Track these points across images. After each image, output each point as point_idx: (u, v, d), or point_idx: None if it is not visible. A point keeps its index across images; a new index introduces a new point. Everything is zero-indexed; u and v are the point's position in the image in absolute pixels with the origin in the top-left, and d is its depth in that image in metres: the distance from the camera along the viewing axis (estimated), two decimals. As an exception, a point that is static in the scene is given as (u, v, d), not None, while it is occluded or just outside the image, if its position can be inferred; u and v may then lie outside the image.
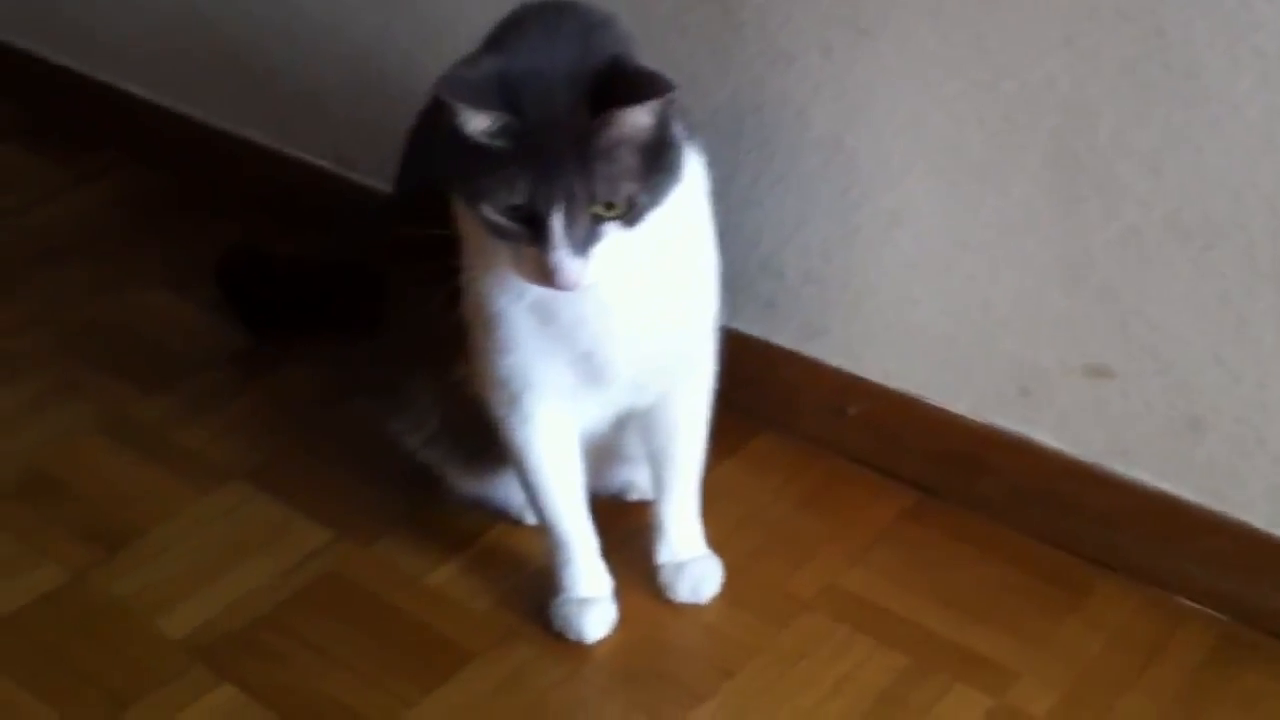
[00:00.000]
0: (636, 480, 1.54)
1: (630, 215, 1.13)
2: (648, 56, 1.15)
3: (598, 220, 1.12)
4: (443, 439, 1.46)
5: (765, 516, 1.56)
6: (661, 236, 1.19)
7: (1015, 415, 1.49)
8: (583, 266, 1.12)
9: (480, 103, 1.08)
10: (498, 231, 1.13)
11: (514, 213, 1.11)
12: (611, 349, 1.27)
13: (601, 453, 1.45)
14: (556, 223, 1.10)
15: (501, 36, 1.15)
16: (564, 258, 1.11)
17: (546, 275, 1.12)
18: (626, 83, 1.10)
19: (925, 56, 1.38)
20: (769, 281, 1.61)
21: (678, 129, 1.16)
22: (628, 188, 1.12)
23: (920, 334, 1.52)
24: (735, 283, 1.59)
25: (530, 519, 1.51)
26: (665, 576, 1.46)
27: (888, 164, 1.46)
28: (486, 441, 1.38)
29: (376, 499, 1.59)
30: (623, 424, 1.42)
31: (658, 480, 1.44)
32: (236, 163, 2.11)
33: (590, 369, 1.28)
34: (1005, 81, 1.35)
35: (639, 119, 1.11)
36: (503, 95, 1.09)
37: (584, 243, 1.12)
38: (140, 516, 1.58)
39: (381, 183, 1.84)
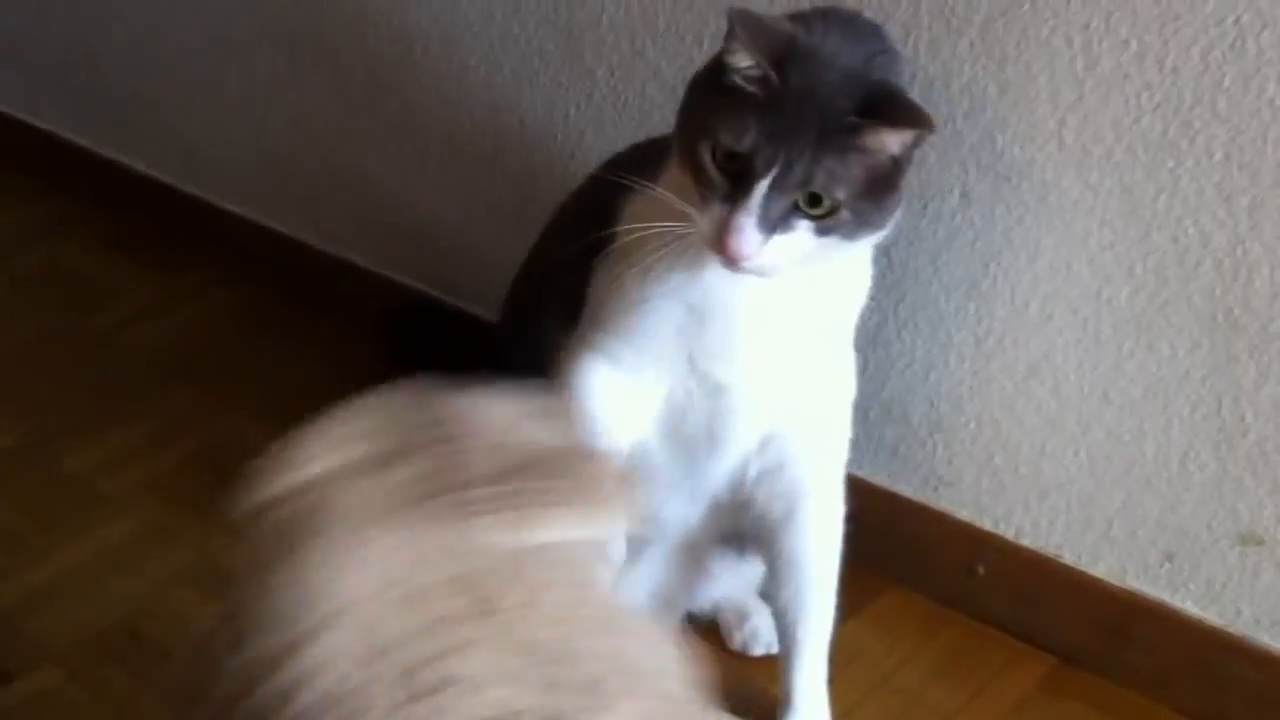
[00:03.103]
0: (761, 630, 1.56)
1: (826, 222, 1.18)
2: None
3: (796, 210, 1.17)
4: None
5: (896, 683, 1.55)
6: (823, 295, 1.27)
7: (1159, 581, 1.49)
8: (760, 243, 1.17)
9: (757, 41, 1.16)
10: (700, 176, 1.18)
11: (727, 161, 1.17)
12: (738, 378, 1.31)
13: (692, 559, 1.47)
14: (762, 186, 1.15)
15: (800, 16, 1.23)
16: (750, 224, 1.16)
17: (724, 235, 1.17)
18: (897, 104, 1.19)
19: (1070, 205, 1.40)
20: (894, 428, 1.63)
21: (902, 185, 1.22)
22: (840, 192, 1.17)
23: (1057, 491, 1.53)
24: (858, 426, 1.61)
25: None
26: None
27: (1026, 313, 1.48)
28: None
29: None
30: (718, 526, 1.44)
31: (787, 642, 1.45)
32: (335, 283, 2.16)
33: (707, 390, 1.31)
34: (1156, 234, 1.36)
35: (888, 142, 1.18)
36: (778, 49, 1.16)
37: (774, 222, 1.17)
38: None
39: (483, 309, 1.89)
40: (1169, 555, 1.48)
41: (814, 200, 1.17)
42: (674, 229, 1.21)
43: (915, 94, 1.42)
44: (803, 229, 1.18)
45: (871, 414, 1.62)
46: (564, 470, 0.95)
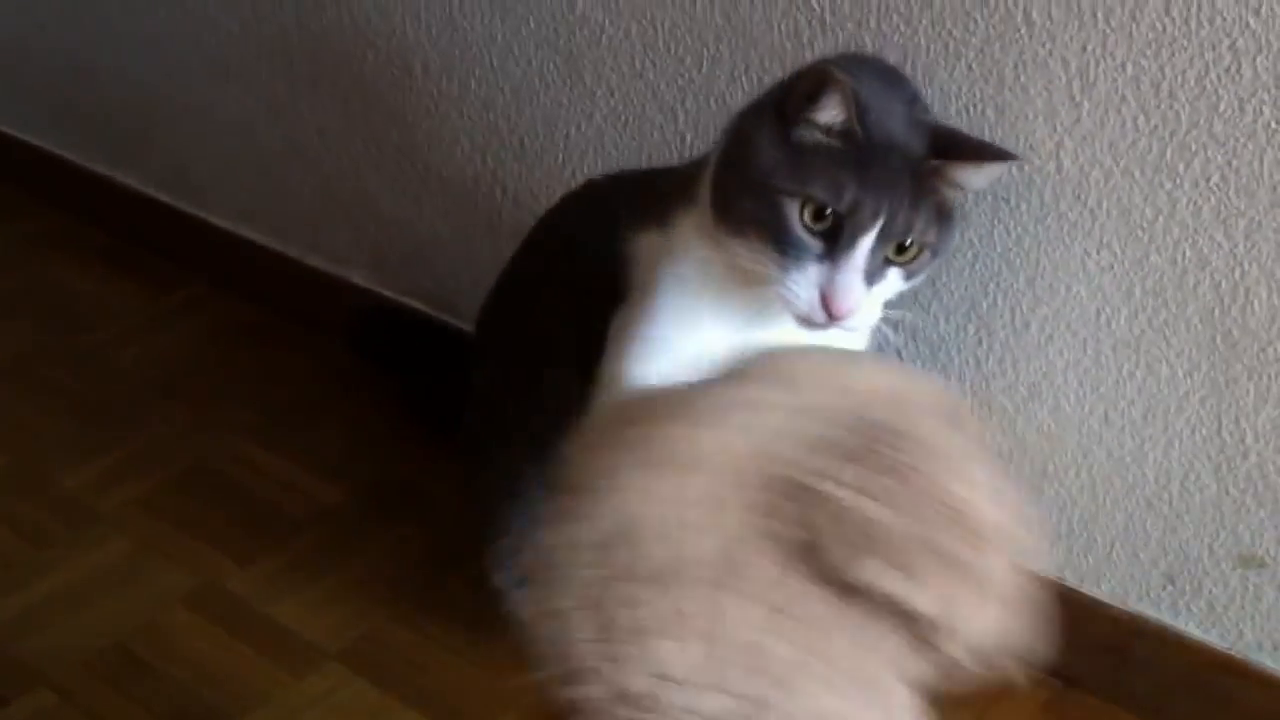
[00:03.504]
0: None
1: (912, 265, 1.20)
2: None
3: (887, 260, 1.19)
4: None
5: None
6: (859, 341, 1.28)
7: (1161, 604, 1.50)
8: (863, 297, 1.17)
9: (851, 97, 1.14)
10: (780, 238, 1.16)
11: (819, 220, 1.16)
12: None
13: None
14: (867, 240, 1.15)
15: (842, 66, 1.20)
16: (855, 280, 1.16)
17: (828, 297, 1.16)
18: (972, 142, 1.25)
19: (1068, 226, 1.41)
20: (894, 449, 1.64)
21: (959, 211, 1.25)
22: (931, 235, 1.19)
23: (1058, 513, 1.54)
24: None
25: None
26: None
27: (1026, 334, 1.49)
28: None
29: (487, 684, 1.59)
30: None
31: None
32: (330, 300, 2.17)
33: None
34: (1154, 256, 1.37)
35: (974, 179, 1.22)
36: (862, 105, 1.15)
37: (873, 275, 1.18)
38: (227, 701, 1.59)
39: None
40: (1171, 577, 1.49)
41: (902, 248, 1.19)
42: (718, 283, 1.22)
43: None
44: (893, 275, 1.20)
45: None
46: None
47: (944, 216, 1.21)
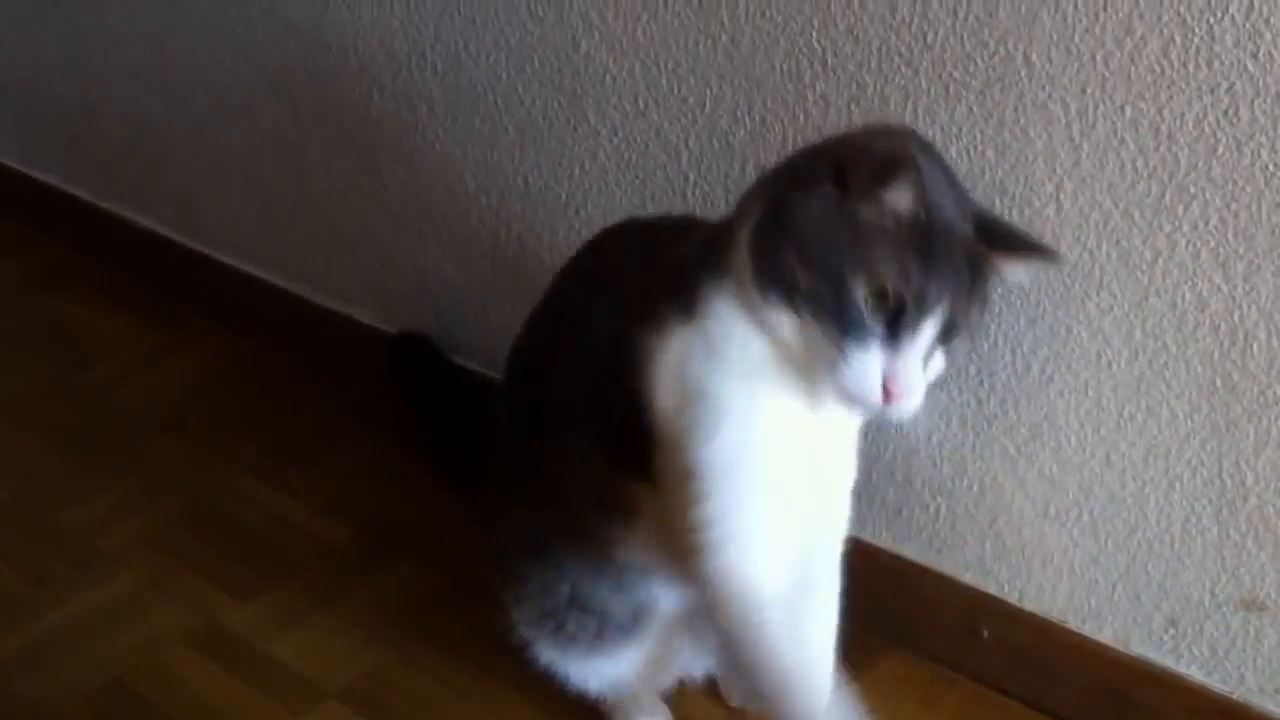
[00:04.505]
0: None
1: (952, 347, 1.21)
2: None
3: (936, 344, 1.19)
4: (568, 618, 1.48)
5: (899, 750, 1.57)
6: None
7: (1162, 647, 1.52)
8: (921, 381, 1.18)
9: (923, 186, 1.14)
10: (838, 317, 1.14)
11: (880, 300, 1.14)
12: (826, 491, 1.33)
13: (692, 630, 1.50)
14: (930, 326, 1.16)
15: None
16: (917, 365, 1.16)
17: (889, 382, 1.15)
18: (1021, 236, 1.27)
19: (1068, 268, 1.44)
20: (897, 490, 1.66)
21: None
22: (976, 317, 1.21)
23: (1059, 555, 1.56)
24: (861, 489, 1.64)
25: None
26: None
27: (1027, 375, 1.51)
28: (620, 611, 1.45)
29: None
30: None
31: None
32: (334, 337, 2.20)
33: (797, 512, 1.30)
34: (1154, 298, 1.40)
35: (1017, 272, 1.26)
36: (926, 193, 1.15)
37: (927, 359, 1.18)
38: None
39: (484, 366, 1.93)
40: (1172, 620, 1.51)
41: (949, 330, 1.19)
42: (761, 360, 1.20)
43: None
44: (938, 357, 1.21)
45: (874, 476, 1.65)
46: None
47: (986, 302, 1.24)
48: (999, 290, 1.48)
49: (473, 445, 1.77)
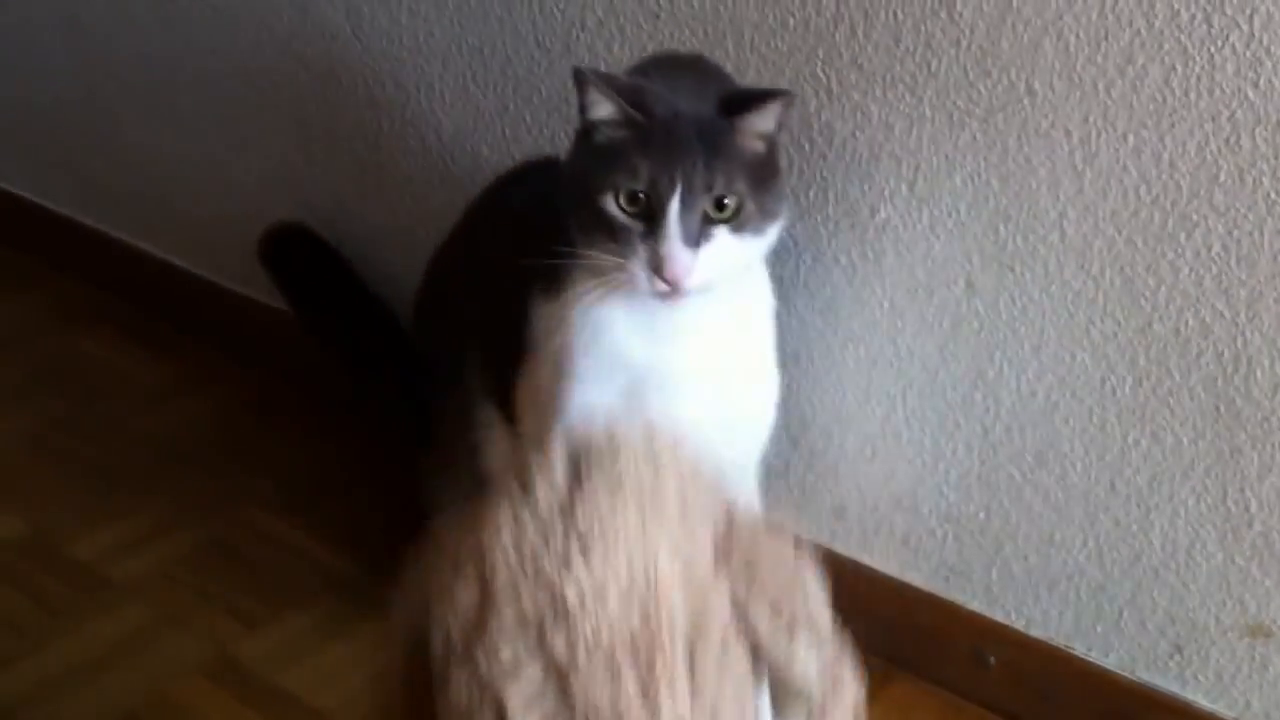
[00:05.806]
0: None
1: (737, 221, 1.32)
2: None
3: (709, 221, 1.30)
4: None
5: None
6: (736, 311, 1.41)
7: (1168, 673, 1.53)
8: (692, 260, 1.29)
9: (609, 88, 1.30)
10: (612, 230, 1.30)
11: (633, 203, 1.30)
12: (680, 411, 1.37)
13: None
14: (673, 208, 1.28)
15: (639, 67, 1.42)
16: (677, 247, 1.28)
17: (660, 266, 1.29)
18: (752, 92, 1.36)
19: (1072, 295, 1.45)
20: (903, 516, 1.67)
21: (782, 167, 1.39)
22: (740, 187, 1.31)
23: (1065, 581, 1.57)
24: (869, 517, 1.66)
25: None
26: None
27: (1032, 402, 1.53)
28: None
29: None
30: None
31: None
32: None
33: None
34: (1157, 325, 1.41)
35: (761, 123, 1.33)
36: (632, 92, 1.31)
37: (695, 238, 1.30)
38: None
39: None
40: (1178, 647, 1.52)
41: (720, 204, 1.30)
42: (606, 282, 1.34)
43: (920, 184, 1.48)
44: (721, 234, 1.31)
45: (881, 503, 1.67)
46: None
47: (756, 169, 1.33)
48: (1004, 316, 1.50)
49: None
